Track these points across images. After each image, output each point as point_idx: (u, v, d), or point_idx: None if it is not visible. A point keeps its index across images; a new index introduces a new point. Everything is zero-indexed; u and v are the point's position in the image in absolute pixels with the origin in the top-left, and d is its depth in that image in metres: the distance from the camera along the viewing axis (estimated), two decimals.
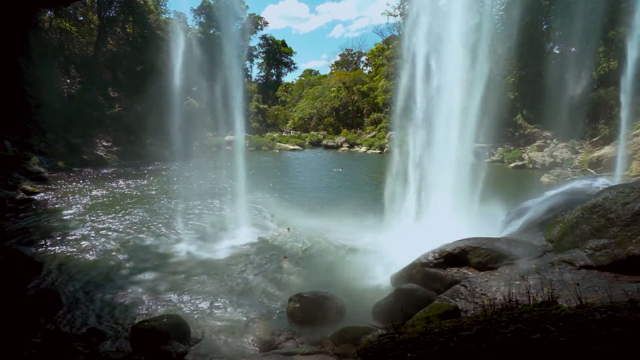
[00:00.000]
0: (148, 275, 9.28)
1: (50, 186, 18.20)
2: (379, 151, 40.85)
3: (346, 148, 44.52)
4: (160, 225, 13.23)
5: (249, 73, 65.19)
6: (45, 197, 16.23)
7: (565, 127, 26.25)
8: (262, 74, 68.72)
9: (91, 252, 10.53)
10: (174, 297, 8.18)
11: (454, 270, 7.45)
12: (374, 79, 50.38)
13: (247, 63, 63.07)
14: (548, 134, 30.39)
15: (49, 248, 10.68)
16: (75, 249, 10.66)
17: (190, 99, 33.70)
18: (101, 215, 13.94)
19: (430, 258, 7.88)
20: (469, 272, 7.21)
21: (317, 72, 75.95)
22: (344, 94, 53.58)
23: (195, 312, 7.57)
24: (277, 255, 10.77)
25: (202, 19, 46.73)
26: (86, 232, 12.14)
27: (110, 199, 16.69)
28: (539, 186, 19.10)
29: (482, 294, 5.83)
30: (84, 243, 11.16)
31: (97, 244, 11.19)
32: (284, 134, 51.86)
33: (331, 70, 69.24)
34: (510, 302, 3.45)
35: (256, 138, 42.32)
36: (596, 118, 27.36)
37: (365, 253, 10.93)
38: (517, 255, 7.18)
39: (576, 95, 27.35)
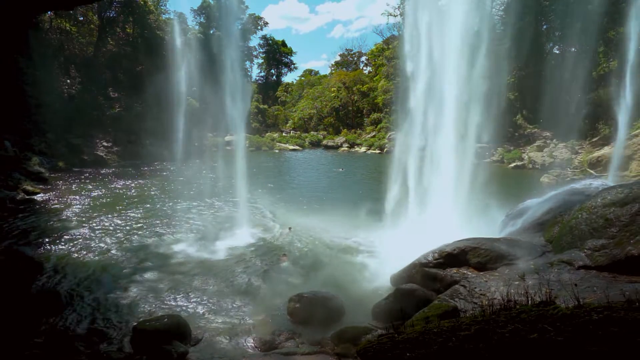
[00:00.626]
0: (148, 275, 9.30)
1: (50, 186, 18.23)
2: (378, 151, 40.90)
3: (346, 148, 44.55)
4: (160, 225, 13.26)
5: (249, 73, 65.24)
6: (46, 197, 16.26)
7: (565, 127, 26.29)
8: (262, 74, 68.82)
9: (92, 252, 10.56)
10: (174, 297, 8.21)
11: (454, 271, 7.48)
12: (374, 79, 50.43)
13: (247, 63, 63.12)
14: (548, 134, 30.44)
15: (50, 248, 10.71)
16: (75, 249, 10.69)
17: (190, 99, 33.72)
18: (102, 216, 13.97)
19: (430, 258, 7.90)
20: (469, 273, 7.24)
21: (317, 72, 76.02)
22: (344, 94, 53.62)
23: (195, 312, 7.60)
24: (277, 255, 10.80)
25: (202, 19, 46.79)
26: (87, 232, 12.17)
27: (111, 199, 16.72)
28: (538, 186, 19.14)
29: (481, 294, 5.86)
30: (85, 243, 11.19)
31: (98, 244, 11.22)
32: (283, 134, 51.91)
33: (331, 70, 69.32)
34: (509, 302, 3.48)
35: (256, 138, 42.35)
36: (596, 118, 27.40)
37: (365, 253, 10.97)
38: (517, 255, 7.21)
39: (576, 96, 27.42)
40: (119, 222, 13.40)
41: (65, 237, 11.60)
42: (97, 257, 10.26)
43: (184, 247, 11.16)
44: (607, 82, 25.36)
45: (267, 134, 47.71)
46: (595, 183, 10.12)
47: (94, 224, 12.97)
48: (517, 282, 5.83)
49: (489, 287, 6.05)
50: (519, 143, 31.54)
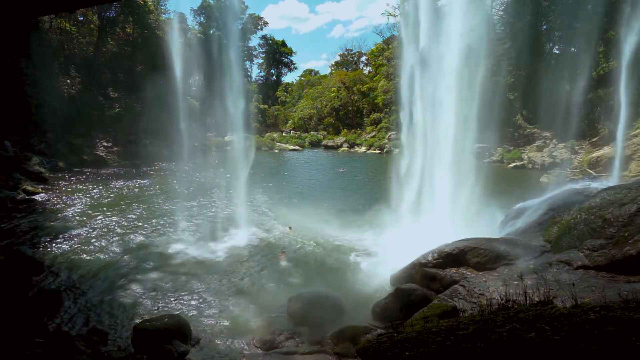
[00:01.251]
0: (149, 275, 9.33)
1: (50, 186, 18.25)
2: (378, 151, 40.91)
3: (346, 148, 44.56)
4: (160, 225, 13.29)
5: (249, 73, 65.26)
6: (46, 197, 16.28)
7: (565, 127, 26.31)
8: (262, 74, 68.80)
9: (92, 252, 10.58)
10: (175, 296, 8.24)
11: (453, 271, 7.51)
12: (374, 79, 50.42)
13: (247, 63, 63.14)
14: (547, 134, 30.46)
15: (50, 248, 10.73)
16: (76, 249, 10.71)
17: (190, 99, 33.74)
18: (102, 216, 13.99)
19: (430, 258, 7.94)
20: (468, 272, 7.27)
21: (317, 72, 75.97)
22: (344, 94, 53.62)
23: (196, 312, 7.63)
24: (277, 254, 10.84)
25: (202, 19, 46.78)
26: (87, 232, 12.19)
27: (111, 199, 16.74)
28: (538, 186, 19.15)
29: (480, 294, 5.89)
30: (85, 243, 11.21)
31: (98, 244, 11.24)
32: (283, 134, 51.91)
33: (331, 70, 69.28)
34: (507, 302, 3.51)
35: (256, 138, 42.36)
36: (595, 118, 27.43)
37: (365, 253, 11.00)
38: (516, 255, 7.25)
39: (576, 96, 27.43)
40: (119, 222, 13.42)
41: (66, 237, 11.63)
42: (97, 257, 10.29)
43: (184, 247, 11.19)
44: (607, 82, 25.41)
45: (267, 134, 47.71)
46: (594, 183, 10.15)
47: (94, 224, 12.99)
48: (516, 282, 5.86)
49: (488, 287, 6.08)
50: (518, 143, 31.57)
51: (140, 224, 13.34)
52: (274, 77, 69.36)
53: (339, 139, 46.75)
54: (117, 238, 11.79)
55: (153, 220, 13.76)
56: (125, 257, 10.41)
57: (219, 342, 6.46)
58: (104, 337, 6.45)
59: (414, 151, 12.99)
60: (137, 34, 34.02)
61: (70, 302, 7.75)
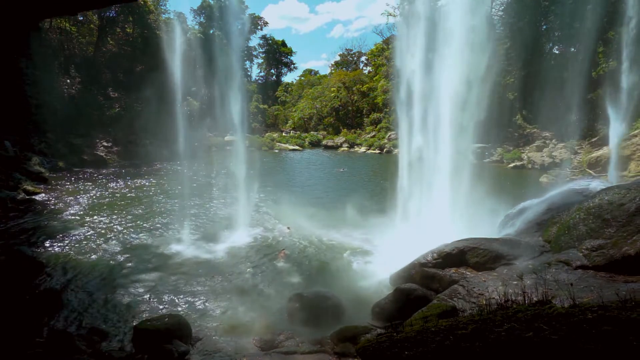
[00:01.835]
0: (149, 275, 9.35)
1: (50, 186, 18.26)
2: (378, 151, 40.94)
3: (346, 148, 44.59)
4: (160, 225, 13.30)
5: (249, 73, 65.28)
6: (46, 197, 16.29)
7: (565, 127, 26.39)
8: (262, 74, 68.86)
9: (92, 252, 10.60)
10: (175, 296, 8.25)
11: (453, 271, 7.53)
12: (374, 79, 50.42)
13: (247, 63, 63.16)
14: (547, 134, 30.50)
15: (50, 248, 10.75)
16: (76, 249, 10.73)
17: (190, 99, 33.76)
18: (102, 216, 14.01)
19: (429, 258, 7.96)
20: (467, 272, 7.29)
21: (317, 72, 75.98)
22: (344, 94, 53.64)
23: (196, 312, 7.65)
24: (277, 255, 10.86)
25: (202, 19, 46.78)
26: (87, 232, 12.21)
27: (111, 199, 16.76)
28: (537, 186, 19.19)
29: (479, 294, 5.91)
30: (85, 243, 11.23)
31: (98, 244, 11.26)
32: (283, 134, 51.94)
33: (331, 70, 69.30)
34: (506, 301, 3.53)
35: (256, 138, 42.38)
36: (595, 119, 27.47)
37: (365, 253, 11.02)
38: (515, 255, 7.27)
39: (575, 96, 27.46)
40: (119, 222, 13.44)
41: (66, 237, 11.64)
42: (97, 257, 10.31)
43: (184, 247, 11.21)
44: (607, 83, 25.44)
45: (267, 134, 47.71)
46: (593, 183, 10.17)
47: (95, 224, 13.01)
48: (515, 282, 5.88)
49: (487, 287, 6.10)
50: (518, 143, 31.60)
51: (140, 223, 13.35)
52: (274, 77, 69.41)
53: (339, 139, 46.77)
54: (117, 238, 11.81)
55: (153, 220, 13.77)
56: (125, 257, 10.43)
57: (219, 342, 6.48)
58: (104, 336, 6.47)
59: (413, 151, 13.00)
60: (137, 34, 34.03)
61: (70, 302, 7.77)
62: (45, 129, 23.66)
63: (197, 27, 45.28)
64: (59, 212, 14.32)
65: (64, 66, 29.37)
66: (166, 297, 8.21)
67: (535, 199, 10.43)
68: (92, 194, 17.34)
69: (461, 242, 7.94)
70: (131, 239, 11.81)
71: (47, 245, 10.94)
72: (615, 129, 22.78)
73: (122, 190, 18.53)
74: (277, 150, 41.97)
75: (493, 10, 35.82)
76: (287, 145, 43.94)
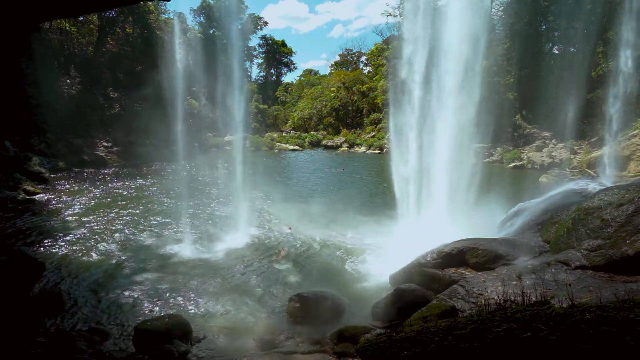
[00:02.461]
0: (149, 275, 9.36)
1: (51, 187, 18.28)
2: (378, 151, 40.96)
3: (346, 148, 44.60)
4: (160, 225, 13.32)
5: (249, 73, 65.27)
6: (47, 197, 16.31)
7: (564, 127, 26.37)
8: (262, 74, 68.84)
9: (93, 252, 10.62)
10: (175, 296, 8.27)
11: (452, 271, 7.55)
12: (374, 79, 50.42)
13: (247, 63, 63.15)
14: (547, 134, 30.51)
15: (51, 248, 10.76)
16: (76, 249, 10.74)
17: (190, 99, 33.77)
18: (102, 216, 14.03)
19: (429, 258, 7.98)
20: (467, 273, 7.31)
21: (316, 72, 75.95)
22: (344, 94, 53.64)
23: (196, 312, 7.66)
24: (277, 253, 10.88)
25: (202, 19, 46.78)
26: (87, 232, 12.22)
27: (111, 199, 16.77)
28: (537, 186, 19.21)
29: (479, 294, 5.93)
30: (86, 243, 11.24)
31: (99, 244, 11.27)
32: (283, 134, 51.94)
33: (331, 70, 69.28)
34: (505, 302, 3.56)
35: (256, 138, 42.38)
36: (595, 119, 27.48)
37: (364, 253, 11.03)
38: (514, 255, 7.29)
39: (575, 96, 27.49)
40: (120, 222, 13.45)
41: (66, 237, 11.66)
42: (98, 257, 10.32)
43: (184, 247, 11.22)
44: (606, 83, 25.48)
45: (267, 134, 47.71)
46: (592, 184, 10.19)
47: (95, 224, 13.03)
48: (514, 282, 5.90)
49: (486, 287, 6.12)
50: (518, 143, 31.61)
51: (140, 224, 13.36)
52: (274, 77, 69.39)
53: (339, 139, 46.78)
54: (117, 238, 11.83)
55: (153, 220, 13.79)
56: (125, 257, 10.45)
57: (219, 342, 6.49)
58: (104, 336, 6.49)
59: (413, 151, 13.03)
60: (137, 34, 34.05)
61: (70, 302, 7.79)
62: (45, 129, 23.68)
63: (197, 27, 45.30)
64: (59, 212, 14.34)
65: (64, 66, 29.38)
66: (166, 297, 8.23)
67: (535, 199, 10.46)
68: (92, 194, 17.35)
69: (460, 242, 7.96)
70: (131, 239, 11.82)
71: (47, 245, 10.95)
72: (611, 129, 22.91)
73: (122, 191, 18.55)
74: (277, 150, 41.98)
75: (493, 10, 35.84)
76: (287, 145, 43.94)
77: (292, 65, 70.19)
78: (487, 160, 29.94)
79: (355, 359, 4.86)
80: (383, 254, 10.65)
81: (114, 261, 10.13)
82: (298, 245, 11.67)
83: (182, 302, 8.06)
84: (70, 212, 14.34)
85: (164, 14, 37.72)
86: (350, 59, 67.94)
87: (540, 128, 31.09)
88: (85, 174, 22.31)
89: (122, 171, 23.91)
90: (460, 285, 6.56)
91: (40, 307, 7.17)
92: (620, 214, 6.40)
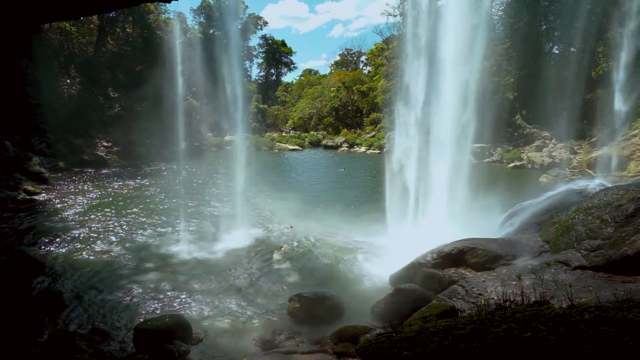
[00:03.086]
0: (149, 275, 9.37)
1: (51, 187, 18.27)
2: (378, 151, 40.96)
3: (346, 148, 44.61)
4: (161, 225, 13.33)
5: (249, 73, 65.26)
6: (47, 197, 16.31)
7: (564, 127, 26.39)
8: (262, 73, 68.84)
9: (93, 252, 10.62)
10: (175, 296, 8.28)
11: (452, 271, 7.56)
12: (374, 79, 50.43)
13: (247, 63, 63.14)
14: (547, 134, 30.52)
15: (51, 248, 10.77)
16: (77, 249, 10.75)
17: (190, 99, 33.77)
18: (102, 216, 14.03)
19: (429, 258, 7.99)
20: (467, 273, 7.32)
21: (316, 72, 75.99)
22: (344, 93, 53.65)
23: (197, 312, 7.67)
24: (277, 251, 10.89)
25: (201, 19, 46.79)
26: (88, 232, 12.23)
27: (111, 199, 16.78)
28: (537, 186, 19.21)
29: (478, 294, 5.94)
30: (86, 243, 11.25)
31: (99, 244, 11.28)
32: (283, 134, 51.95)
33: (331, 70, 69.32)
34: (505, 302, 3.56)
35: (256, 138, 42.39)
36: (595, 119, 27.50)
37: (365, 253, 11.04)
38: (514, 255, 7.30)
39: (575, 96, 27.49)
40: (120, 222, 13.46)
41: (67, 237, 11.66)
42: (98, 257, 10.33)
43: (184, 247, 11.23)
44: (606, 83, 25.49)
45: (267, 134, 47.72)
46: (592, 184, 10.20)
47: (95, 224, 13.03)
48: (514, 282, 5.90)
49: (486, 287, 6.13)
50: (518, 143, 31.62)
51: (140, 224, 13.37)
52: (274, 77, 69.39)
53: (339, 139, 46.79)
54: (117, 238, 11.84)
55: (153, 220, 13.80)
56: (125, 257, 10.46)
57: (219, 342, 6.51)
58: (105, 336, 6.49)
59: (412, 151, 13.04)
60: (137, 34, 34.04)
61: (71, 302, 7.79)
62: (45, 129, 23.68)
63: (197, 27, 45.29)
64: (59, 212, 14.34)
65: (64, 66, 29.37)
66: (166, 297, 8.24)
67: (535, 199, 10.46)
68: (92, 194, 17.35)
69: (460, 242, 7.97)
70: (131, 239, 11.83)
71: (48, 245, 10.96)
72: (609, 129, 22.93)
73: (122, 191, 18.55)
74: (277, 150, 41.98)
75: (493, 10, 35.84)
76: (287, 145, 43.96)
77: (292, 65, 70.29)
78: (487, 160, 29.96)
79: (355, 359, 4.87)
80: (383, 254, 10.65)
81: (114, 261, 10.14)
82: (298, 244, 11.68)
83: (182, 302, 8.07)
84: (70, 212, 14.34)
85: (163, 14, 37.70)
86: (350, 58, 67.96)
87: (540, 128, 31.11)
88: (86, 174, 22.31)
89: (122, 171, 23.92)
90: (460, 285, 6.57)
91: (40, 306, 7.17)
92: (620, 214, 6.40)
